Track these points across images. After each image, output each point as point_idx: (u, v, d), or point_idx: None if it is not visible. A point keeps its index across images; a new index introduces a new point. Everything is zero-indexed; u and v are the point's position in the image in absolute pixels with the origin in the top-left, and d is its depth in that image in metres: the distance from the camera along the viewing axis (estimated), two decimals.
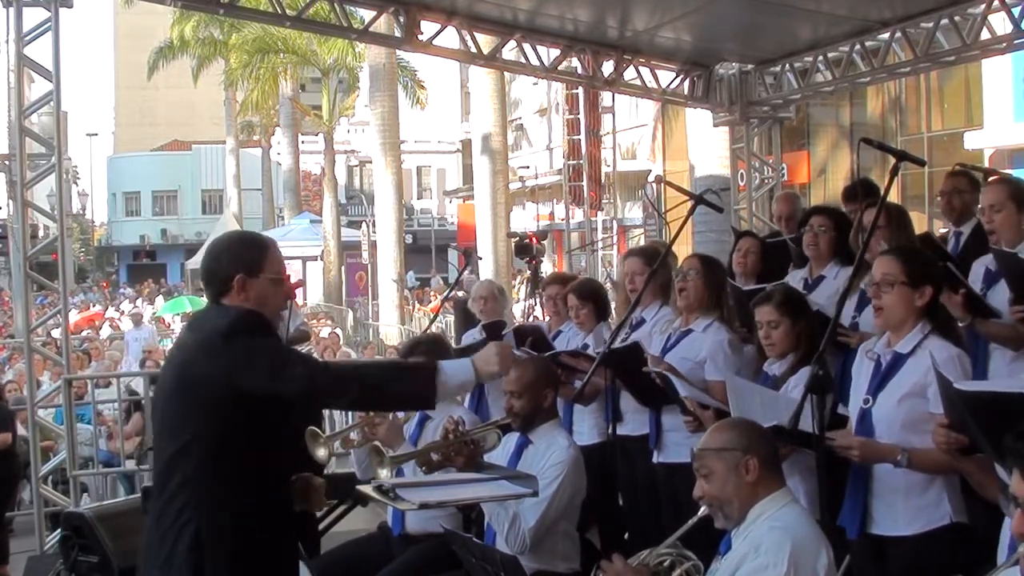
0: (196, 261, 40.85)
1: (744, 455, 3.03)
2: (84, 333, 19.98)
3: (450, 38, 8.84)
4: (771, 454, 3.11)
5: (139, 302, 33.64)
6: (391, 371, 3.43)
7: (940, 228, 6.38)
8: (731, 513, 3.05)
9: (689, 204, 5.17)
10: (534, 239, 11.88)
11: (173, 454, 3.11)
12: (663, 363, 4.59)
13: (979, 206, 4.69)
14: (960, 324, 4.01)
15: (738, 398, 3.91)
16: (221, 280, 3.19)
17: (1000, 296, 4.19)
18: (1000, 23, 7.64)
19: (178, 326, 21.95)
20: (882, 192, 4.19)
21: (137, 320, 21.46)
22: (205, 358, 3.09)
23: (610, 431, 4.87)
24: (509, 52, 9.22)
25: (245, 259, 3.21)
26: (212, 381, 3.06)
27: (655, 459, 4.94)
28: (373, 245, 24.75)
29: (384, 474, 3.82)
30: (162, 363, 11.91)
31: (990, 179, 5.22)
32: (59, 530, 6.04)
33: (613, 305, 6.05)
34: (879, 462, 3.50)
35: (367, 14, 8.86)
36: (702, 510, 3.09)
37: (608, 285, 10.21)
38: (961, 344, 3.63)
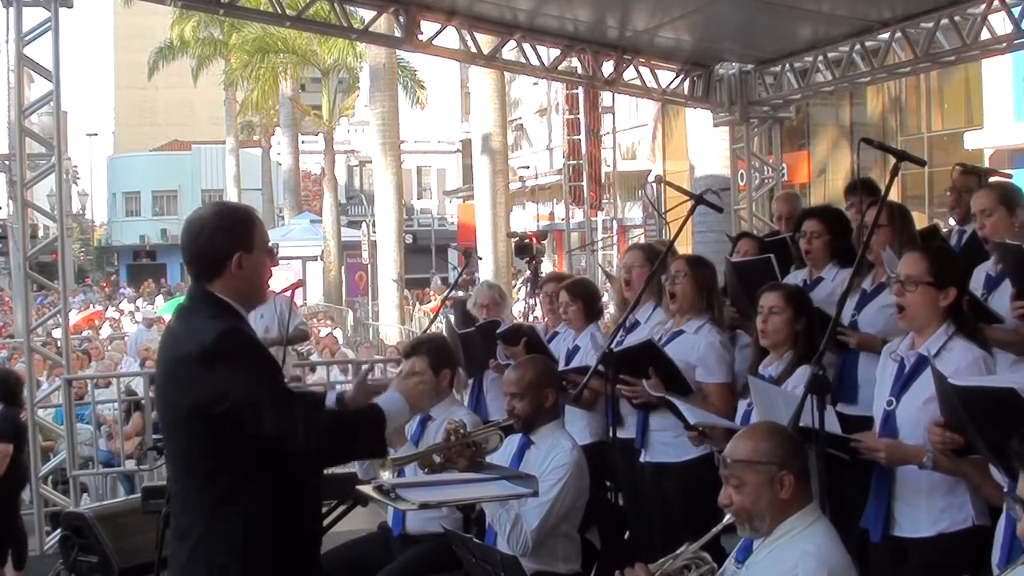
0: None
1: (780, 470, 2.94)
2: (84, 333, 19.95)
3: (450, 38, 8.85)
4: (804, 469, 3.02)
5: (139, 302, 33.61)
6: (358, 435, 3.16)
7: (942, 228, 6.37)
8: (760, 527, 2.97)
9: (689, 204, 5.17)
10: (534, 239, 11.90)
11: (179, 464, 3.03)
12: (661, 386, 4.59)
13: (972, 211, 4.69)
14: None
15: (761, 399, 3.89)
16: (219, 260, 3.03)
17: (1002, 301, 4.18)
18: (1000, 23, 7.64)
19: None
20: (882, 192, 4.19)
21: (149, 324, 21.31)
22: (189, 381, 2.92)
23: (610, 432, 4.86)
24: (509, 52, 9.22)
25: (240, 234, 3.06)
26: (193, 404, 2.91)
27: (642, 459, 4.94)
28: (373, 245, 24.75)
29: (386, 476, 3.82)
30: None
31: (990, 181, 5.23)
32: (59, 530, 6.04)
33: (612, 303, 6.04)
34: (905, 464, 3.48)
35: (367, 14, 8.87)
36: (727, 518, 3.02)
37: (607, 285, 10.20)
38: (986, 346, 3.59)
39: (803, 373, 3.93)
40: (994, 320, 4.07)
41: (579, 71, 9.80)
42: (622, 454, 5.07)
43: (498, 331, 5.86)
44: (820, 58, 8.82)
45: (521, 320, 11.94)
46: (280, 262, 27.86)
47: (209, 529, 2.95)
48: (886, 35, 8.08)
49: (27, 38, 7.30)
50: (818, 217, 5.22)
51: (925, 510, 3.50)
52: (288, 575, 3.02)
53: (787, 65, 9.10)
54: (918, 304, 3.54)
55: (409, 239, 34.41)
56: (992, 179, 5.54)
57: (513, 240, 12.39)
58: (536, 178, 34.11)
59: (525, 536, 3.99)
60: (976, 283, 4.44)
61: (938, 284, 3.51)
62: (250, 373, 2.92)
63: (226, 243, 3.04)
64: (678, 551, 3.07)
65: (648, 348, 4.65)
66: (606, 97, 23.23)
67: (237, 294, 3.06)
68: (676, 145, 25.10)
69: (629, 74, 9.39)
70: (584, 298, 5.58)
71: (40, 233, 21.28)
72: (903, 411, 3.54)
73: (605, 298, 5.95)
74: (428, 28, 8.63)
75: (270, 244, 3.23)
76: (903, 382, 3.58)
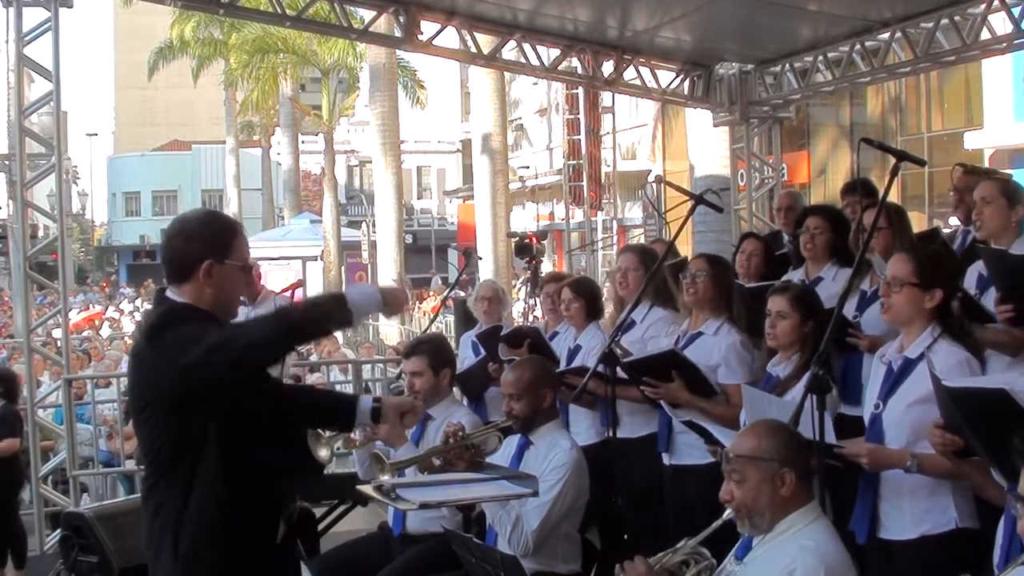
0: None
1: (782, 467, 2.93)
2: (84, 333, 19.94)
3: (450, 38, 8.85)
4: (806, 467, 3.02)
5: (139, 302, 33.61)
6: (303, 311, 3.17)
7: (944, 228, 6.38)
8: (760, 524, 2.97)
9: (689, 204, 5.17)
10: (534, 239, 11.88)
11: (148, 457, 3.09)
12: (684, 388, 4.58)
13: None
14: None
15: (752, 407, 3.89)
16: (188, 264, 3.05)
17: (993, 302, 4.18)
18: (1000, 23, 7.64)
19: None
20: (882, 192, 4.18)
21: None
22: (138, 368, 3.06)
23: (610, 433, 4.86)
24: (509, 52, 9.22)
25: (215, 243, 3.07)
26: (146, 389, 3.01)
27: (665, 461, 4.93)
28: (373, 245, 24.75)
29: (385, 478, 3.82)
30: None
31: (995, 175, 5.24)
32: (59, 530, 6.04)
33: (610, 303, 6.04)
34: (889, 469, 3.48)
35: (367, 14, 8.87)
36: (727, 513, 3.02)
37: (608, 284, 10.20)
38: (975, 348, 3.58)
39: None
40: (988, 319, 4.06)
41: (579, 71, 9.80)
42: (620, 454, 5.07)
43: (501, 334, 5.88)
44: (820, 58, 8.82)
45: (521, 320, 11.95)
46: (280, 262, 27.93)
47: (169, 509, 3.01)
48: (886, 35, 8.08)
49: (27, 38, 7.30)
50: (821, 215, 5.24)
51: (908, 512, 3.51)
52: (242, 555, 3.04)
53: (787, 65, 9.10)
54: (901, 303, 3.55)
55: (409, 239, 34.42)
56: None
57: (513, 240, 12.37)
58: (536, 178, 34.10)
59: (526, 537, 3.99)
60: (968, 283, 4.43)
61: (923, 285, 3.52)
62: (190, 333, 2.93)
63: (199, 249, 3.05)
64: (678, 545, 3.08)
65: (670, 357, 4.64)
66: (606, 97, 23.21)
67: (204, 303, 3.07)
68: (676, 145, 25.10)
69: (629, 74, 9.39)
70: (586, 296, 5.58)
71: (40, 233, 21.30)
72: (889, 414, 3.54)
73: (605, 297, 5.95)
74: (428, 28, 8.64)
75: (251, 262, 3.24)
76: (890, 385, 3.58)
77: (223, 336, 2.93)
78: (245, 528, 3.03)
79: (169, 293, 3.10)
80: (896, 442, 3.48)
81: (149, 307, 3.29)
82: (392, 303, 3.18)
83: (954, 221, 6.05)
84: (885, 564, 3.58)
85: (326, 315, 3.05)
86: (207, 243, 3.06)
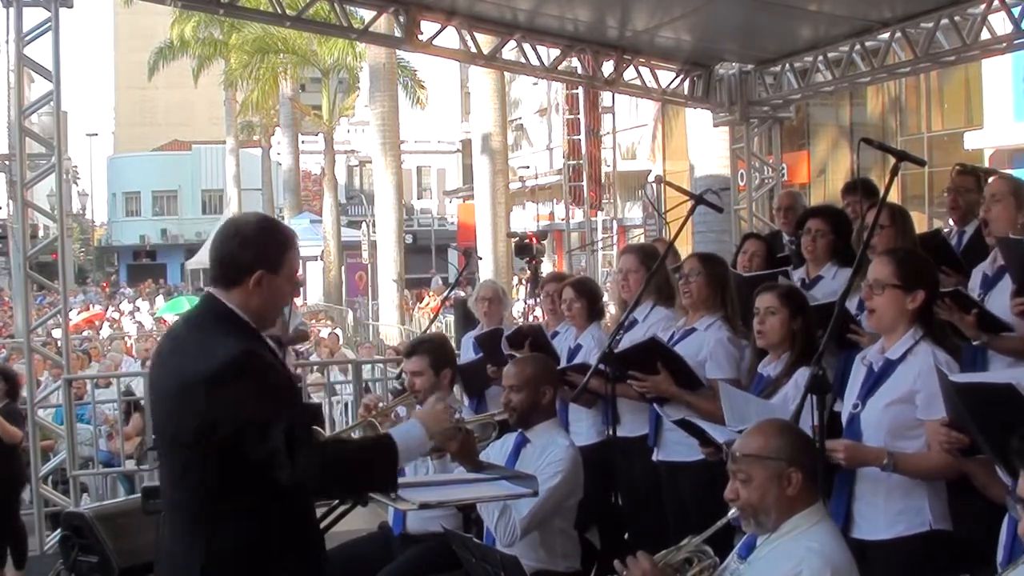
0: (196, 261, 41.09)
1: (788, 467, 2.92)
2: (84, 333, 19.93)
3: (450, 38, 8.85)
4: (813, 467, 3.01)
5: (139, 302, 33.61)
6: (360, 468, 3.07)
7: (943, 228, 6.38)
8: (765, 523, 2.95)
9: (689, 204, 5.17)
10: (534, 239, 11.90)
11: (178, 470, 2.95)
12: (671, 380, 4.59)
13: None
14: (974, 343, 3.99)
15: (731, 406, 3.89)
16: (240, 270, 2.92)
17: (997, 301, 4.17)
18: (1000, 23, 7.64)
19: None
20: (882, 192, 4.19)
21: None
22: (201, 403, 2.83)
23: (610, 432, 4.86)
24: (509, 52, 9.22)
25: (271, 254, 2.96)
26: (201, 425, 2.83)
27: (655, 457, 4.94)
28: (373, 245, 24.75)
29: None
30: None
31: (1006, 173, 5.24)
32: (59, 530, 6.04)
33: (612, 304, 6.05)
34: (865, 466, 3.50)
35: (367, 14, 8.88)
36: (732, 512, 3.01)
37: (608, 285, 10.19)
38: (954, 351, 3.60)
39: (803, 373, 3.93)
40: (1003, 328, 4.05)
41: (579, 71, 9.81)
42: (622, 453, 5.07)
43: (504, 334, 5.90)
44: (820, 58, 8.82)
45: (521, 320, 11.94)
46: None
47: (208, 550, 2.88)
48: (886, 35, 8.09)
49: (27, 38, 7.30)
50: (822, 217, 5.25)
51: (883, 512, 3.51)
52: None
53: (787, 65, 9.10)
54: (884, 306, 3.56)
55: (409, 239, 34.41)
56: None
57: (513, 240, 12.38)
58: (536, 178, 34.12)
59: (514, 523, 3.97)
60: (973, 284, 4.44)
61: (905, 287, 3.53)
62: (262, 395, 2.84)
63: (254, 257, 2.94)
64: (681, 543, 3.07)
65: (652, 345, 4.65)
66: (606, 97, 23.22)
67: (249, 311, 2.97)
68: (676, 145, 25.11)
69: (629, 74, 9.39)
70: (588, 296, 5.61)
71: (40, 233, 21.27)
72: (867, 414, 3.56)
73: (605, 297, 5.97)
74: (428, 28, 8.64)
75: (298, 274, 3.13)
76: (870, 386, 3.59)
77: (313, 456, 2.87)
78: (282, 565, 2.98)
79: (216, 293, 2.98)
80: (873, 441, 3.50)
81: (194, 308, 3.14)
82: (443, 439, 3.26)
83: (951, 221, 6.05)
84: (859, 563, 3.58)
85: (372, 483, 3.15)
86: (262, 253, 2.95)
